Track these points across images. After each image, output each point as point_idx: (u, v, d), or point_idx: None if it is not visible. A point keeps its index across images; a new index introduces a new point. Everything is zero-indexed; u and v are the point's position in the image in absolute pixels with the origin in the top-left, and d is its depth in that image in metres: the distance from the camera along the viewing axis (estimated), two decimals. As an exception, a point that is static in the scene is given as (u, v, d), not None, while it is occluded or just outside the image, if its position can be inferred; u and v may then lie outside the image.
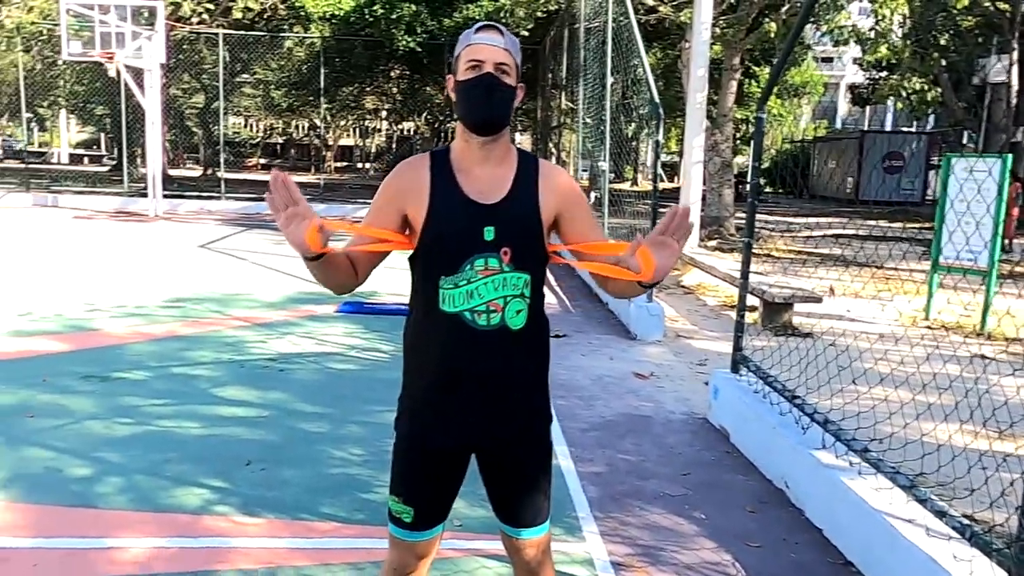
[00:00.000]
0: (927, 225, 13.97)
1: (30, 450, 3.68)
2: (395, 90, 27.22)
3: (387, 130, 39.04)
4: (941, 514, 2.54)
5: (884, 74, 19.15)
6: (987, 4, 15.34)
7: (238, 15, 19.00)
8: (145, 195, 16.56)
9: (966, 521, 2.45)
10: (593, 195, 9.77)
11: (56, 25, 16.43)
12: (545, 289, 1.87)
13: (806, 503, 3.38)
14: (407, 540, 1.85)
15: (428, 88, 25.52)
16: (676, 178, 27.17)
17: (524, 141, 40.91)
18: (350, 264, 1.78)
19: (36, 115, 37.25)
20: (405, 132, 37.96)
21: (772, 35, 12.15)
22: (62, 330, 6.04)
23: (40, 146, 45.22)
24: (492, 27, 1.74)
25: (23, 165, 21.13)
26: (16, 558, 2.74)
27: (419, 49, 17.97)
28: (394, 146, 39.01)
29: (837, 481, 3.10)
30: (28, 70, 20.12)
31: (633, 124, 12.90)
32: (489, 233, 1.72)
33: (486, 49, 1.71)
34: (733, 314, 4.77)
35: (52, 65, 22.91)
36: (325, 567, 2.75)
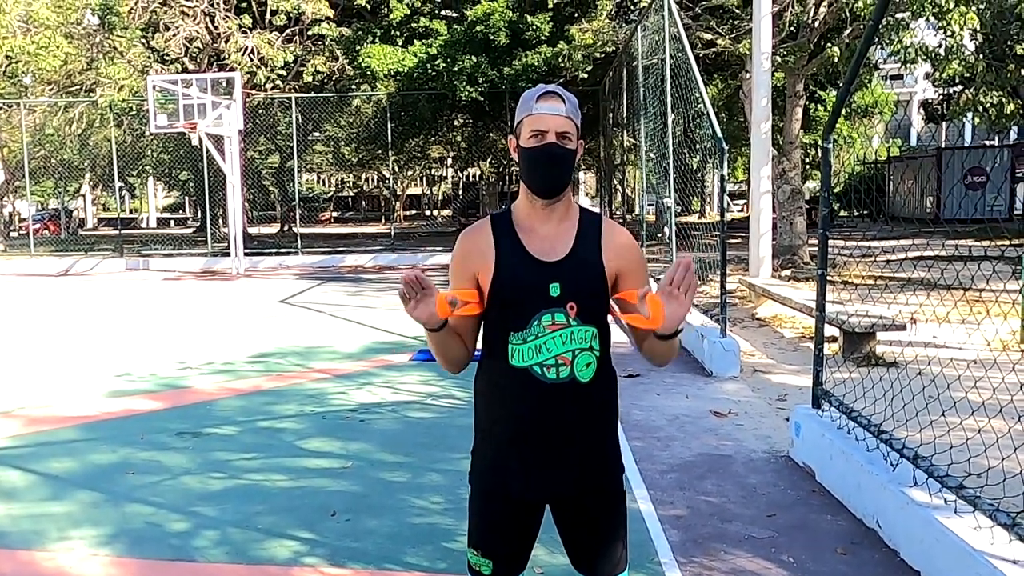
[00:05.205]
0: (1017, 242, 13.30)
1: (131, 506, 3.88)
2: (459, 138, 27.91)
3: (453, 177, 39.94)
4: (1048, 554, 2.41)
5: (959, 88, 18.43)
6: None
7: (308, 78, 19.98)
8: (228, 254, 17.36)
9: (1076, 561, 2.32)
10: (666, 229, 9.69)
11: (144, 100, 17.60)
12: (615, 328, 1.90)
13: (900, 544, 3.24)
14: (488, 592, 1.88)
15: (491, 134, 26.05)
16: (745, 207, 26.71)
17: (588, 179, 40.94)
18: (460, 336, 1.85)
19: (126, 183, 39.73)
20: (470, 178, 38.72)
21: (835, 60, 11.95)
22: (156, 389, 6.36)
23: (130, 212, 48.12)
24: (553, 95, 1.77)
25: (117, 232, 22.50)
26: (122, 611, 2.89)
27: (481, 98, 18.43)
28: (460, 192, 39.80)
29: (932, 520, 2.97)
30: (119, 143, 21.54)
31: (697, 157, 12.83)
32: (555, 289, 1.77)
33: (548, 119, 1.76)
34: (812, 346, 4.65)
35: (140, 137, 24.46)
36: (411, 617, 2.80)
